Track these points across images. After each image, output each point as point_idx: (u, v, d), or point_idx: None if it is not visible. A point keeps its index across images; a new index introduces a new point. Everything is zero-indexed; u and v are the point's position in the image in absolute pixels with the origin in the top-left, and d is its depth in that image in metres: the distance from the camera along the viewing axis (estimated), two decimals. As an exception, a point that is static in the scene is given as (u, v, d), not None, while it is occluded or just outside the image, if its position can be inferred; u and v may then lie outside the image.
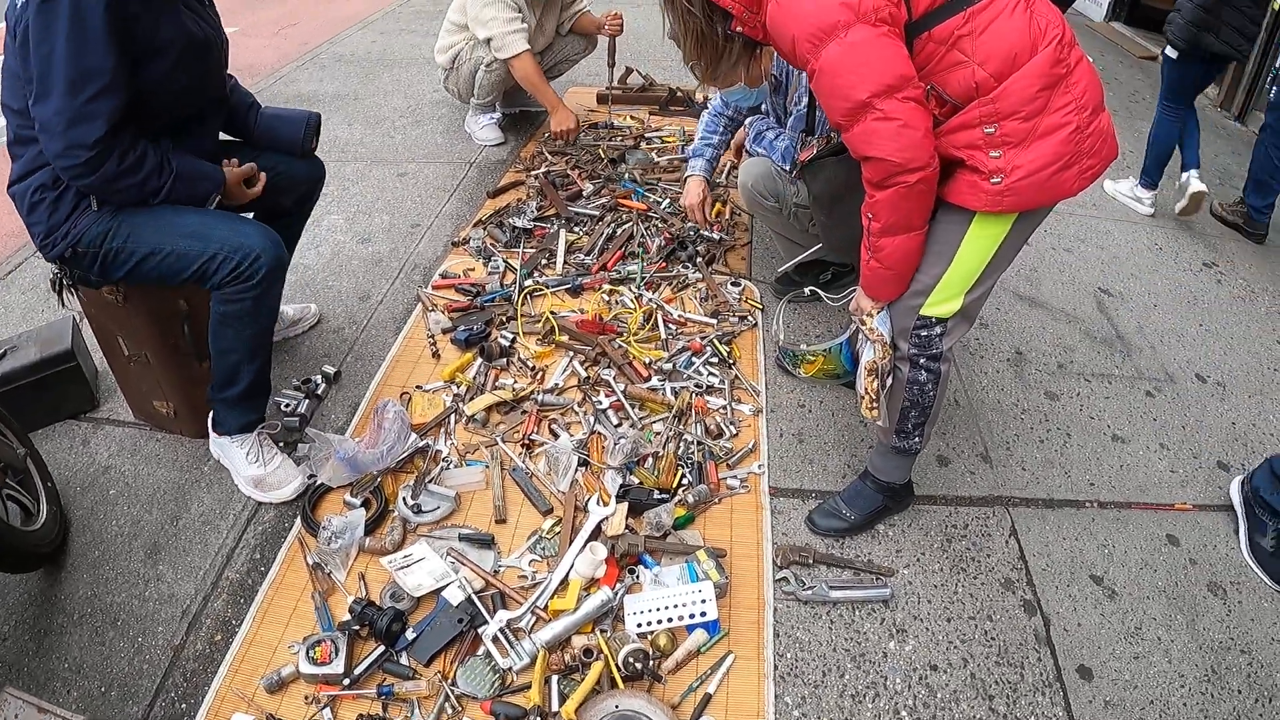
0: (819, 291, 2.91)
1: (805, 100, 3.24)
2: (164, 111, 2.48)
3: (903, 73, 1.97)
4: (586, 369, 3.29)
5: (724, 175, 4.60)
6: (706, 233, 4.06)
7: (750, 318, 3.69)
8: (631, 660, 2.22)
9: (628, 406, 3.10)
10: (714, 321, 3.62)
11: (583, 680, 2.19)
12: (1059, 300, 4.15)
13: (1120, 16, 9.48)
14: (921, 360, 2.38)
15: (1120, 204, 5.25)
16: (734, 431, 3.08)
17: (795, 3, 2.02)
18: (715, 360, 3.39)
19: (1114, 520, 2.94)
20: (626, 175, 4.76)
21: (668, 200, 4.49)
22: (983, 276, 2.26)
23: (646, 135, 5.40)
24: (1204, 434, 3.39)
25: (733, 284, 3.90)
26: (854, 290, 2.48)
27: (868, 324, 2.40)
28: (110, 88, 2.19)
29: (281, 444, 2.92)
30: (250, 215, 2.85)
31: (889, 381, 2.46)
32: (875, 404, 2.47)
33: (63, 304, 2.77)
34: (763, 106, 3.56)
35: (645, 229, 4.24)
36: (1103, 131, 2.12)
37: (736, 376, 3.33)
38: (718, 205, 4.47)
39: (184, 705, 2.25)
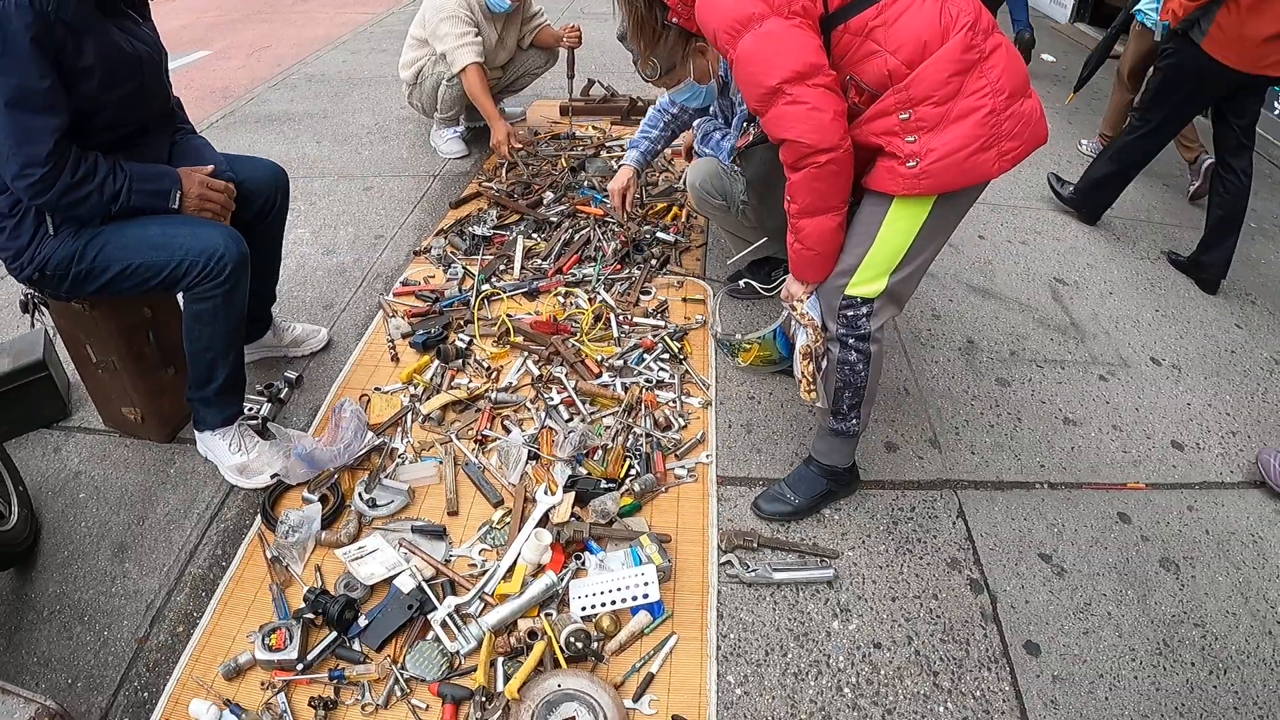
0: (753, 283, 2.98)
1: None
2: (104, 129, 2.52)
3: (812, 61, 2.09)
4: (540, 368, 3.36)
5: (681, 181, 4.68)
6: (618, 219, 4.22)
7: (700, 317, 3.76)
8: (573, 640, 2.28)
9: (578, 402, 3.17)
10: (660, 322, 3.70)
11: (525, 661, 2.26)
12: (1013, 290, 4.21)
13: (1084, 17, 9.63)
14: (850, 340, 2.45)
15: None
16: (683, 423, 3.14)
17: None
18: (666, 356, 3.47)
19: (1064, 500, 2.99)
20: (586, 183, 4.85)
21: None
22: (907, 258, 2.33)
23: (607, 144, 5.49)
24: (1158, 415, 3.44)
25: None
26: (786, 279, 2.56)
27: (798, 309, 2.48)
28: (49, 106, 2.25)
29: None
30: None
31: (824, 364, 2.54)
32: (813, 386, 2.55)
33: (33, 324, 2.85)
34: (711, 109, 3.64)
35: (602, 233, 4.32)
36: (1024, 115, 2.20)
37: (687, 371, 3.40)
38: (674, 209, 4.57)
39: (146, 694, 2.31)
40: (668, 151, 5.11)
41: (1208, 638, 2.55)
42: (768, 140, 2.54)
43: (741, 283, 3.07)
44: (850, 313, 2.41)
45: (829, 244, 2.34)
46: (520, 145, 5.09)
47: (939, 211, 2.28)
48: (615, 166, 4.94)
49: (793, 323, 2.58)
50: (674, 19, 2.45)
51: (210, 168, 2.75)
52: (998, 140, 2.16)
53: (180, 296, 2.78)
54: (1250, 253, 4.79)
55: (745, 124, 3.22)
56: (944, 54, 2.10)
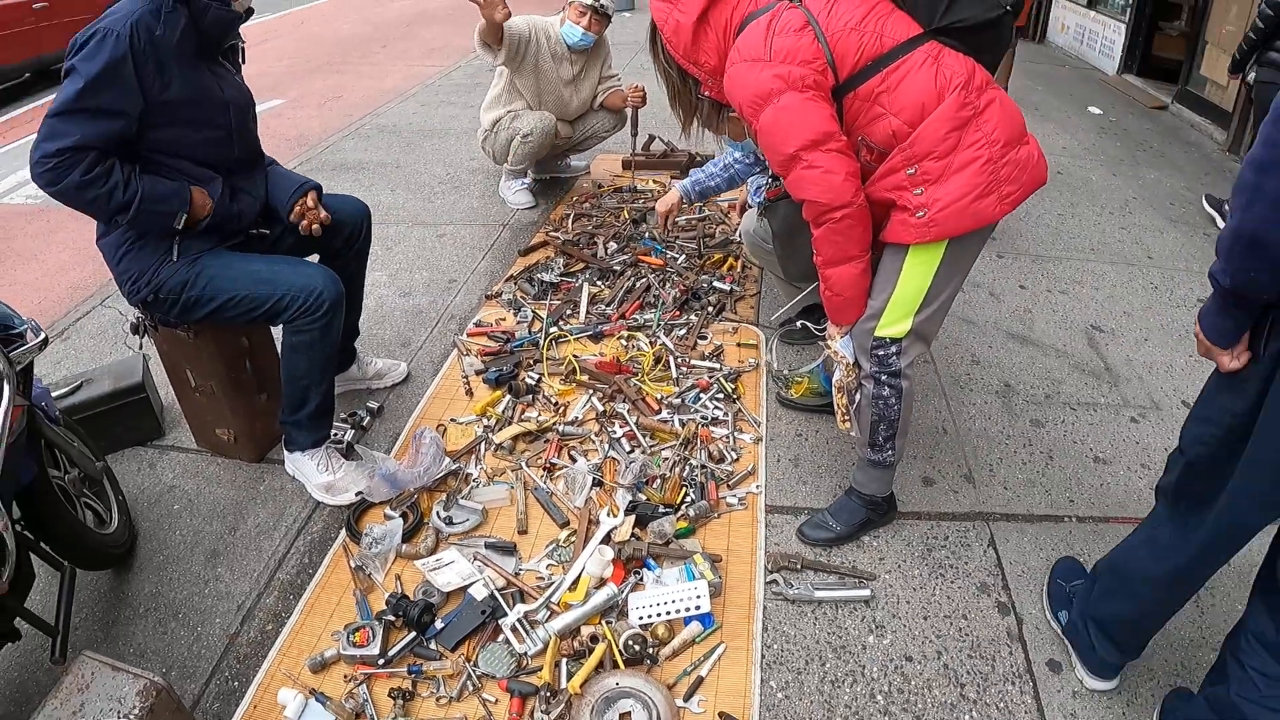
0: (808, 325, 3.22)
1: None
2: (202, 164, 2.84)
3: (825, 129, 2.39)
4: (604, 404, 3.61)
5: (735, 232, 4.92)
6: (660, 234, 4.72)
7: (753, 360, 3.99)
8: (631, 643, 2.50)
9: (639, 435, 3.41)
10: (715, 364, 3.92)
11: (587, 661, 2.49)
12: (1051, 338, 4.35)
13: (1132, 69, 9.79)
14: (883, 377, 2.68)
15: (1118, 247, 5.45)
16: (735, 457, 3.37)
17: (741, 75, 2.46)
18: (721, 396, 3.70)
19: (1091, 532, 3.12)
20: (647, 234, 5.12)
21: (683, 256, 4.86)
22: (928, 299, 2.57)
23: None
24: (1186, 456, 3.54)
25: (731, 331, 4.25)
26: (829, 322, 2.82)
27: (832, 347, 2.76)
28: (92, 120, 2.52)
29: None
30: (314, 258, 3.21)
31: (857, 398, 2.78)
32: (847, 417, 2.82)
33: (140, 345, 3.15)
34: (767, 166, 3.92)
35: (661, 282, 4.58)
36: (1021, 161, 2.44)
37: (740, 410, 3.63)
38: (730, 260, 4.84)
39: (236, 684, 2.56)
40: (724, 205, 5.38)
41: (1225, 663, 2.68)
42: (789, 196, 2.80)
43: (798, 324, 3.31)
44: (881, 352, 2.65)
45: (854, 289, 2.61)
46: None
47: (951, 255, 2.52)
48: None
49: (831, 360, 2.83)
50: (706, 92, 2.75)
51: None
52: (997, 185, 2.40)
53: (278, 329, 3.07)
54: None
55: (771, 179, 3.50)
56: (941, 113, 2.36)
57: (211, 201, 2.87)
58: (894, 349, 2.64)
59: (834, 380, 2.82)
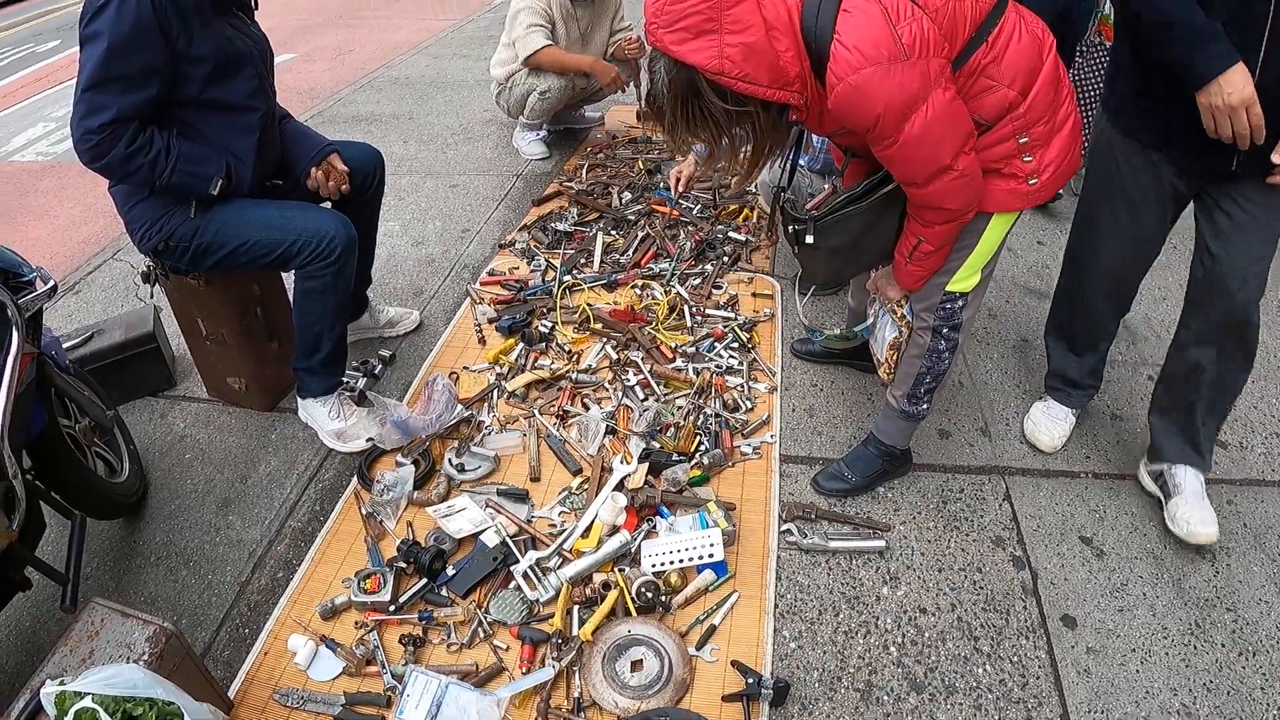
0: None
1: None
2: (247, 127, 2.83)
3: (969, 129, 2.15)
4: (618, 352, 3.59)
5: (753, 185, 4.88)
6: (679, 197, 4.69)
7: (769, 310, 3.97)
8: (644, 590, 2.49)
9: (653, 383, 3.40)
10: (730, 314, 3.89)
11: (599, 608, 2.48)
12: (1068, 294, 4.29)
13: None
14: (944, 330, 2.60)
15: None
16: (750, 406, 3.35)
17: (877, 83, 1.99)
18: (736, 345, 3.68)
19: (1107, 489, 3.09)
20: (661, 184, 5.09)
21: (699, 205, 4.83)
22: (996, 254, 2.51)
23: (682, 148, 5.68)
24: (1204, 416, 3.51)
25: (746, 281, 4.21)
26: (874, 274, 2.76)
27: (898, 313, 2.70)
28: (125, 90, 2.52)
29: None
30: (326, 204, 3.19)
31: (907, 350, 2.73)
32: (893, 372, 2.80)
33: (151, 294, 3.13)
34: None
35: (671, 234, 4.56)
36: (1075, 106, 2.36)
37: (755, 359, 3.61)
38: (745, 210, 4.80)
39: (247, 631, 2.57)
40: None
41: (1239, 622, 2.63)
42: (850, 203, 2.46)
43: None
44: (948, 306, 2.56)
45: (940, 264, 2.48)
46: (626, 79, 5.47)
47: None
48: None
49: (882, 318, 2.81)
50: (800, 119, 2.24)
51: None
52: (1079, 136, 2.32)
53: (290, 275, 3.05)
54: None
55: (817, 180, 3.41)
56: (1045, 75, 2.20)
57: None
58: (960, 302, 2.56)
59: (889, 339, 2.78)
